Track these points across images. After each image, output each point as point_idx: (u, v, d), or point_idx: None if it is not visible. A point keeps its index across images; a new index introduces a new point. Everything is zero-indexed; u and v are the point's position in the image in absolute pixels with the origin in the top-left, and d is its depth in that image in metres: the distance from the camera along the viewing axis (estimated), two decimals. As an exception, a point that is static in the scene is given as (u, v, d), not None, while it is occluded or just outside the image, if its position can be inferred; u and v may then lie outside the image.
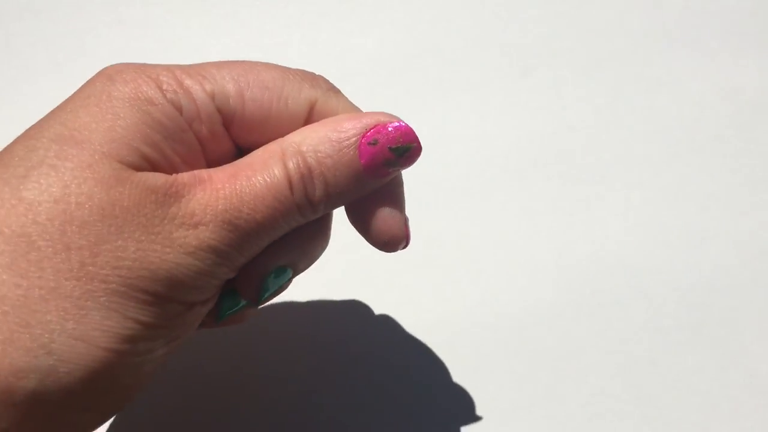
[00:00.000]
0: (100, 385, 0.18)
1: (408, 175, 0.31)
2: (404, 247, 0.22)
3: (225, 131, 0.20)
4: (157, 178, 0.18)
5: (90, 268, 0.17)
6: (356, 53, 0.33)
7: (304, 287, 0.29)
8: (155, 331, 0.18)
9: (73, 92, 0.19)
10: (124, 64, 0.20)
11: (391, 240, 0.22)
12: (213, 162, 0.21)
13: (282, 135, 0.20)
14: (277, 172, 0.19)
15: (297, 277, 0.29)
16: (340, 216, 0.30)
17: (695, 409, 0.26)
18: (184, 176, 0.19)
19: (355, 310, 0.28)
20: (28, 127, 0.20)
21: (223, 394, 0.26)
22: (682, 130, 0.32)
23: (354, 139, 0.19)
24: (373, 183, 0.20)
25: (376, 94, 0.32)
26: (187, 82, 0.20)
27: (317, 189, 0.19)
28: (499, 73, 0.33)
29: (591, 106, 0.32)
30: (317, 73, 0.21)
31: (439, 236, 0.30)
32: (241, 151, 0.21)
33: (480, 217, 0.30)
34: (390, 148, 0.20)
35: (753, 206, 0.30)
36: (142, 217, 0.18)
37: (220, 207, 0.18)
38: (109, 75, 0.19)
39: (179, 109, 0.19)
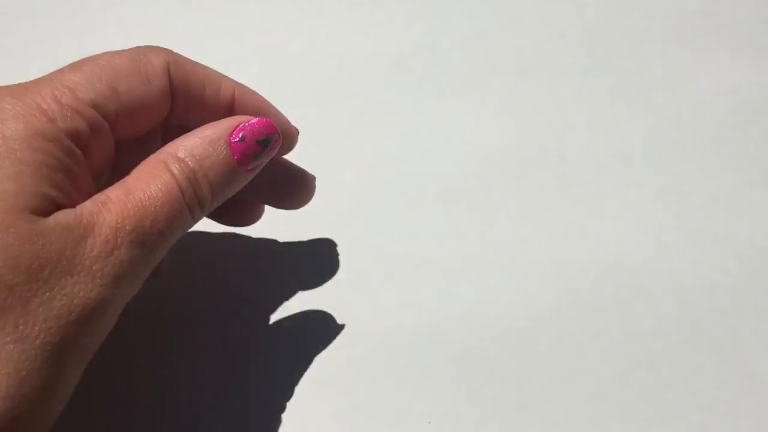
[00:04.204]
0: None
1: (406, 175, 0.31)
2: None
3: (112, 135, 0.21)
4: (68, 217, 0.18)
5: (22, 327, 0.17)
6: (354, 53, 0.33)
7: (303, 287, 0.29)
8: (84, 366, 0.19)
9: None
10: None
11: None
12: (99, 172, 0.21)
13: (160, 110, 0.22)
14: (167, 179, 0.20)
15: (294, 276, 0.29)
16: (340, 216, 0.30)
17: (695, 409, 0.26)
18: (87, 205, 0.19)
19: (352, 310, 0.28)
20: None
21: (220, 395, 0.26)
22: (681, 130, 0.32)
23: (224, 139, 0.21)
24: (246, 177, 0.22)
25: (374, 93, 0.32)
26: (66, 100, 0.19)
27: (203, 188, 0.21)
28: (497, 73, 0.33)
29: (588, 106, 0.32)
30: (148, 45, 0.22)
31: (438, 237, 0.30)
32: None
33: (478, 218, 0.30)
34: (257, 142, 0.21)
35: (752, 206, 0.30)
36: (65, 262, 0.18)
37: (127, 227, 0.19)
38: None
39: (74, 136, 0.19)
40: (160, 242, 0.20)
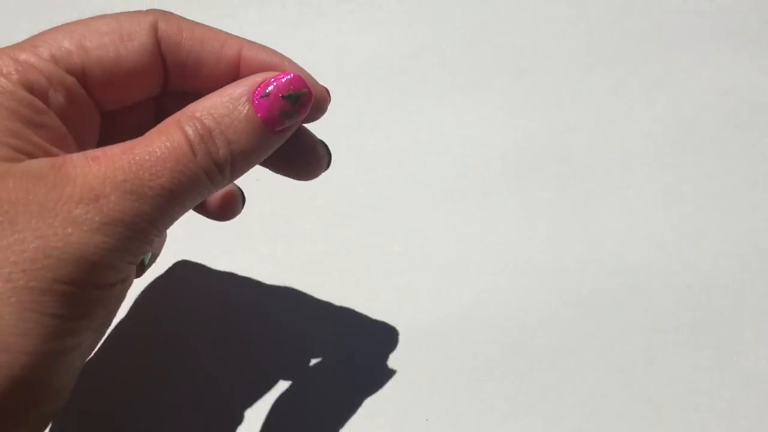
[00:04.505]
0: (28, 394, 0.17)
1: (406, 174, 0.31)
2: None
3: (86, 94, 0.19)
4: (42, 163, 0.17)
5: None
6: (354, 54, 0.33)
7: (302, 286, 0.29)
8: (78, 322, 0.17)
9: None
10: None
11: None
12: (84, 139, 0.20)
13: (148, 71, 0.20)
14: (176, 137, 0.18)
15: (294, 276, 0.29)
16: (340, 216, 0.30)
17: (693, 409, 0.26)
18: (72, 157, 0.18)
19: (352, 310, 0.28)
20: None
21: (220, 393, 0.27)
22: (680, 130, 0.32)
23: (246, 96, 0.19)
24: (274, 139, 0.20)
25: (373, 94, 0.32)
26: (23, 56, 0.18)
27: (220, 148, 0.19)
28: (497, 74, 0.33)
29: (589, 106, 0.32)
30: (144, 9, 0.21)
31: (437, 237, 0.30)
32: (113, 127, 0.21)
33: (477, 218, 0.30)
34: (283, 96, 0.19)
35: (751, 206, 0.30)
36: (35, 205, 0.17)
37: (119, 177, 0.17)
38: None
39: (29, 87, 0.18)
40: (165, 198, 0.18)
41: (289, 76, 0.20)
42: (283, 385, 0.27)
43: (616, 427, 0.26)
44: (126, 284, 0.19)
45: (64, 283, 0.17)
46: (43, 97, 0.18)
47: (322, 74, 0.33)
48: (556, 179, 0.31)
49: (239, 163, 0.19)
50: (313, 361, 0.27)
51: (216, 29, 0.21)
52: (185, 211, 0.19)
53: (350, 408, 0.26)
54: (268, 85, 0.19)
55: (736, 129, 0.32)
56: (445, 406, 0.26)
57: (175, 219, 0.19)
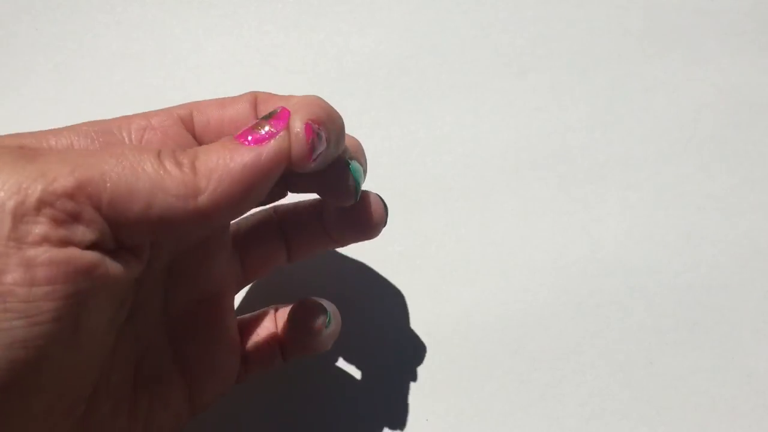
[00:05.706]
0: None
1: (405, 174, 0.31)
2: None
3: (192, 138, 0.22)
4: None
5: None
6: (353, 54, 0.33)
7: (304, 287, 0.29)
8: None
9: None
10: None
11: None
12: None
13: (244, 111, 0.23)
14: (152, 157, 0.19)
15: (293, 276, 0.29)
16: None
17: (693, 408, 0.26)
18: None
19: (352, 310, 0.28)
20: (27, 126, 0.20)
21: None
22: (679, 131, 0.32)
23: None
24: (250, 152, 0.19)
25: (373, 94, 0.32)
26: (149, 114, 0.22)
27: (187, 156, 0.19)
28: (496, 74, 0.33)
29: (588, 106, 0.32)
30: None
31: (437, 237, 0.30)
32: None
33: (477, 218, 0.30)
34: (258, 119, 0.20)
35: (750, 206, 0.30)
36: None
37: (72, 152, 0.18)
38: None
39: (128, 131, 0.21)
40: (103, 174, 0.17)
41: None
42: (281, 387, 0.27)
43: (616, 427, 0.26)
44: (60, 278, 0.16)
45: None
46: (139, 135, 0.21)
47: (322, 74, 0.33)
48: (556, 179, 0.31)
49: (206, 164, 0.19)
50: (311, 362, 0.27)
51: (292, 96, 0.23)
52: (142, 206, 0.18)
53: (350, 408, 0.26)
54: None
55: (736, 129, 0.32)
56: (445, 406, 0.26)
57: (127, 215, 0.17)
